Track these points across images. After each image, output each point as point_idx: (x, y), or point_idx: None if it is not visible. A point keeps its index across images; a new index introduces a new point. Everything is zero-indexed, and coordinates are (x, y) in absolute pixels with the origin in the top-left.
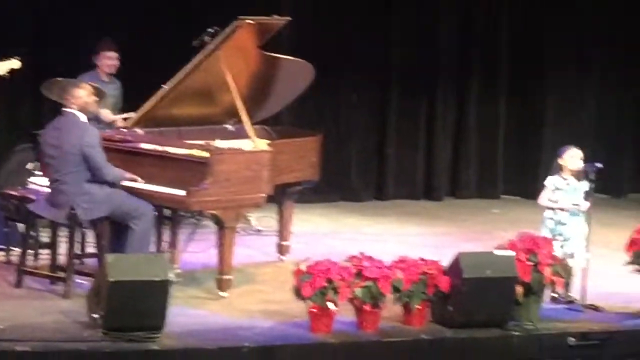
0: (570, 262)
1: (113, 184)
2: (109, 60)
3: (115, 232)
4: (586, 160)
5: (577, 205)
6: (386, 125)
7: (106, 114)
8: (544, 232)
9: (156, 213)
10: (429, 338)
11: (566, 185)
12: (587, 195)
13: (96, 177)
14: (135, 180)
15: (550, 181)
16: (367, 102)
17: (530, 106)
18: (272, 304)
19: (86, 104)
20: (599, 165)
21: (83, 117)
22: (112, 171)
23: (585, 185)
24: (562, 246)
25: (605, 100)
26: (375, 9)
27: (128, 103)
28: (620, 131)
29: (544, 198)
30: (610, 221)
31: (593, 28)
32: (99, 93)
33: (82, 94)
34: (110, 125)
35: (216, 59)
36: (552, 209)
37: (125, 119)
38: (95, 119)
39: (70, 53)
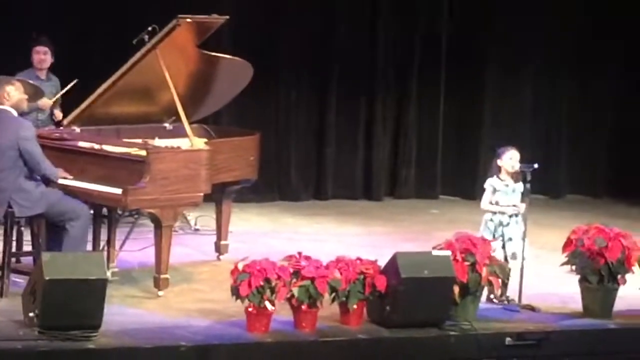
0: (512, 263)
1: (49, 183)
2: (37, 55)
3: (52, 230)
4: (523, 161)
5: (516, 206)
6: (325, 125)
7: (44, 101)
8: (486, 234)
9: (92, 212)
10: (366, 338)
11: (505, 187)
12: (524, 196)
13: (34, 172)
14: (66, 178)
15: (489, 183)
16: (306, 101)
17: (468, 107)
18: (210, 303)
19: (18, 100)
20: (535, 166)
21: (14, 112)
22: (49, 166)
23: (521, 187)
24: (503, 246)
25: (542, 101)
26: (314, 8)
27: (66, 100)
28: (558, 132)
29: (485, 201)
30: (547, 222)
31: (531, 29)
32: (36, 91)
33: (11, 90)
34: (48, 114)
35: (154, 57)
36: (494, 212)
37: (63, 110)
38: (35, 110)
39: (8, 51)
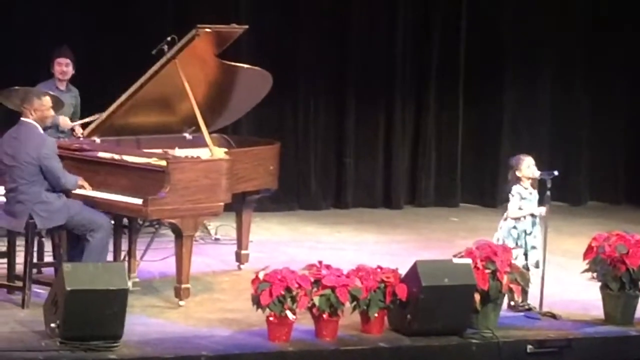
0: (535, 271)
1: (69, 194)
2: (59, 66)
3: (73, 241)
4: (542, 168)
5: (540, 211)
6: (345, 134)
7: (64, 121)
8: (509, 242)
9: (113, 222)
10: (387, 346)
11: (529, 195)
12: (544, 202)
13: (54, 187)
14: (83, 187)
15: (516, 191)
16: (325, 110)
17: (487, 114)
18: (231, 312)
19: (44, 115)
20: (556, 172)
21: (40, 129)
22: (70, 179)
23: (536, 193)
24: (525, 254)
25: (562, 107)
26: (333, 19)
27: (86, 112)
28: (578, 139)
29: (513, 209)
30: (568, 229)
31: (550, 38)
32: (56, 102)
33: (42, 105)
34: (69, 132)
35: (174, 68)
36: (518, 219)
37: (83, 125)
38: (54, 127)
39: (29, 62)
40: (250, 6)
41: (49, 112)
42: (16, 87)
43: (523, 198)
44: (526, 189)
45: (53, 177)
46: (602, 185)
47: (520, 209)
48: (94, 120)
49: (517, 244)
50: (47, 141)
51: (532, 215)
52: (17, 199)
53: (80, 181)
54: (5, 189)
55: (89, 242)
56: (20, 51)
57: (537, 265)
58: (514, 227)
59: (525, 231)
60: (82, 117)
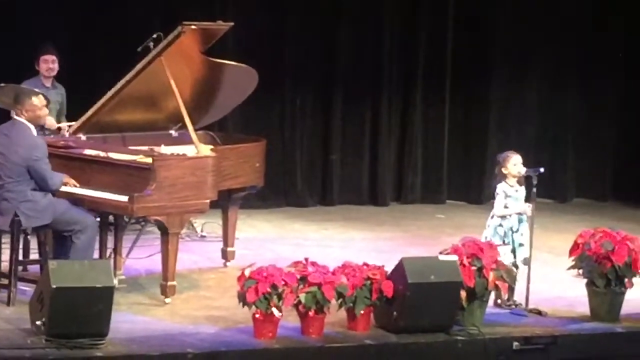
0: (523, 268)
1: (55, 192)
2: (45, 63)
3: (59, 238)
4: (529, 165)
5: (525, 209)
6: (331, 131)
7: (50, 122)
8: (496, 240)
9: (99, 219)
10: (373, 343)
11: (515, 192)
12: (530, 200)
13: (41, 187)
14: (68, 183)
15: (501, 189)
16: (312, 107)
17: (474, 111)
18: (217, 309)
19: (37, 115)
20: (542, 169)
21: (33, 129)
22: (56, 179)
23: (523, 191)
24: (513, 251)
25: (548, 105)
26: (319, 16)
27: (73, 109)
28: (565, 136)
29: (499, 207)
30: (554, 226)
31: (538, 36)
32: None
33: (33, 105)
34: (55, 133)
35: (160, 65)
36: (504, 217)
37: (70, 127)
38: (40, 126)
39: (12, 59)
40: (236, 3)
41: (41, 112)
42: (3, 84)
43: (508, 196)
44: (512, 186)
45: (40, 178)
46: (589, 182)
47: (506, 206)
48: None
49: (504, 241)
50: (38, 144)
51: (519, 213)
52: (3, 197)
53: (66, 178)
54: None
55: (75, 242)
56: (3, 49)
57: (525, 262)
58: (500, 225)
59: (511, 229)
60: (68, 114)
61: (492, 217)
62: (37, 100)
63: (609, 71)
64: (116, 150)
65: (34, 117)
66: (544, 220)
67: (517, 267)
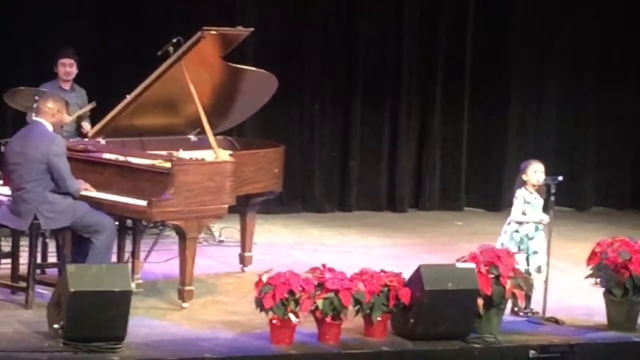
0: (537, 276)
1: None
2: (63, 67)
3: (77, 242)
4: (548, 173)
5: (542, 219)
6: (349, 137)
7: (65, 118)
8: (511, 246)
9: (118, 224)
10: (390, 350)
11: (534, 200)
12: (548, 209)
13: (59, 188)
14: (87, 190)
15: (520, 194)
16: (330, 113)
17: (492, 118)
18: (234, 315)
19: (57, 118)
20: (560, 178)
21: (50, 127)
22: (74, 184)
23: (542, 201)
24: (527, 259)
25: (568, 112)
26: (339, 22)
27: (93, 112)
28: (584, 144)
29: (517, 212)
30: (572, 234)
31: (558, 41)
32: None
33: (53, 106)
34: (73, 127)
35: (179, 69)
36: (521, 223)
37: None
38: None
39: (34, 62)
40: (256, 8)
41: (60, 113)
42: (22, 87)
43: (527, 202)
44: (531, 193)
45: (59, 176)
46: (607, 190)
47: (523, 213)
48: (86, 111)
49: (519, 248)
50: (57, 139)
51: (536, 222)
52: (23, 198)
53: (83, 185)
54: (11, 188)
55: (93, 244)
56: (26, 52)
57: (539, 270)
58: (516, 231)
59: (527, 235)
60: (90, 117)
61: (509, 223)
62: (53, 103)
63: (630, 78)
64: (135, 154)
65: (51, 120)
66: (563, 229)
67: (530, 274)
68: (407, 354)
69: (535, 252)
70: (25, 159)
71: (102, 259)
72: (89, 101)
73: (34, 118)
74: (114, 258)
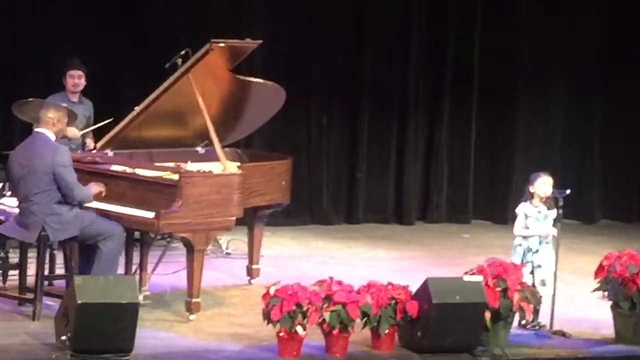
0: (541, 289)
1: (82, 205)
2: (71, 79)
3: (84, 253)
4: (555, 186)
5: (547, 234)
6: (357, 149)
7: (72, 132)
8: (515, 260)
9: (125, 235)
10: None
11: (537, 213)
12: (556, 221)
13: (67, 198)
14: (100, 190)
15: (521, 209)
16: (338, 125)
17: (500, 131)
18: (241, 327)
19: (58, 127)
20: (568, 191)
21: (52, 137)
22: (82, 191)
23: (553, 213)
24: (531, 272)
25: (575, 125)
26: (346, 33)
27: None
28: (591, 157)
29: (518, 227)
30: (580, 247)
31: (564, 53)
32: (69, 114)
33: (53, 115)
34: (80, 143)
35: (187, 81)
36: (525, 237)
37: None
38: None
39: (42, 74)
40: (264, 21)
41: (62, 123)
42: (30, 99)
43: (529, 216)
44: (536, 207)
45: (66, 186)
46: (615, 203)
47: (526, 227)
48: (102, 126)
49: (522, 261)
50: (61, 149)
51: (541, 235)
52: (30, 210)
53: (94, 187)
54: (18, 200)
55: (101, 249)
56: (34, 63)
57: (543, 284)
58: (519, 245)
59: (531, 249)
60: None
61: (515, 237)
62: (53, 112)
63: (635, 93)
64: (143, 166)
65: (55, 131)
66: (570, 242)
67: (534, 287)
68: None
69: (539, 266)
70: (30, 170)
71: (109, 265)
72: (95, 113)
73: (36, 129)
74: (121, 270)
